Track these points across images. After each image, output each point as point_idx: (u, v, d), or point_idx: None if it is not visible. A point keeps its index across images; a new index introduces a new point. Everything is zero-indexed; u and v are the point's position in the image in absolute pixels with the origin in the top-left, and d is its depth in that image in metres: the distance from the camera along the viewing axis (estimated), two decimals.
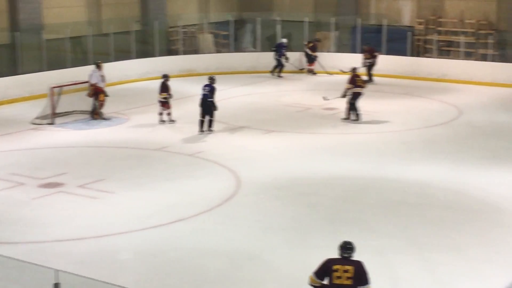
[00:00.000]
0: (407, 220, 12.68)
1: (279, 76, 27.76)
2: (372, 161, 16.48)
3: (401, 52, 28.79)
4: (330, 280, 8.01)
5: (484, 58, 28.04)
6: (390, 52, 28.70)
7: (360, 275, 7.98)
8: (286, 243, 11.78)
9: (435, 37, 29.00)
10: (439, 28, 29.92)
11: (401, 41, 28.93)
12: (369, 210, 13.31)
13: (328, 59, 28.25)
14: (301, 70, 28.28)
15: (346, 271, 7.95)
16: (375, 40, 28.46)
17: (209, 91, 18.97)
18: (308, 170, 15.79)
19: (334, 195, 14.16)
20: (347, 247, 8.15)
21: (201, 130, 19.05)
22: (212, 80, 19.15)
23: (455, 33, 29.40)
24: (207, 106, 18.96)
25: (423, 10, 30.78)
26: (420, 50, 30.12)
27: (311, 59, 27.47)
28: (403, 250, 11.37)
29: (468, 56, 28.44)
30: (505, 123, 20.35)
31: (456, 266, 10.85)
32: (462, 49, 28.15)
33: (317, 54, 27.74)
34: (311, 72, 27.81)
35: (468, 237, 11.94)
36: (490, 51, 28.00)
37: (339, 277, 7.95)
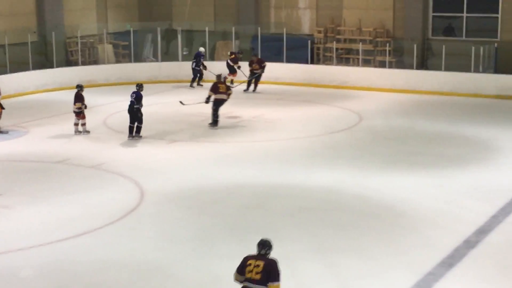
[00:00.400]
0: (311, 226, 12.76)
1: (200, 85, 27.63)
2: (275, 168, 16.55)
3: (302, 60, 29.14)
4: (244, 274, 8.35)
5: (382, 65, 28.70)
6: (290, 60, 29.00)
7: (269, 271, 8.25)
8: (192, 253, 11.65)
9: (334, 45, 29.46)
10: (338, 36, 30.41)
11: (302, 50, 29.28)
12: (273, 217, 13.34)
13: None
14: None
15: (257, 266, 8.30)
16: (276, 49, 28.69)
17: (135, 98, 19.10)
18: (212, 179, 15.71)
19: (238, 203, 14.13)
20: (262, 244, 8.48)
21: (131, 136, 19.18)
22: (139, 87, 19.38)
23: (354, 41, 29.95)
24: (134, 113, 19.07)
25: (322, 19, 31.23)
26: (320, 58, 30.55)
27: (232, 70, 27.30)
28: (309, 256, 11.43)
29: (367, 63, 29.04)
30: (404, 128, 20.82)
31: (361, 269, 10.97)
32: (361, 57, 28.71)
33: (239, 64, 27.53)
34: (232, 82, 27.60)
35: (372, 240, 12.11)
36: (387, 58, 28.67)
37: (250, 271, 8.29)
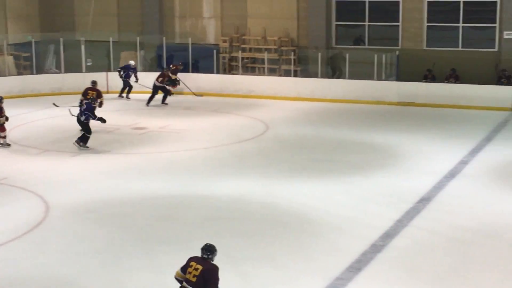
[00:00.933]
0: (220, 236, 12.72)
1: (127, 98, 27.18)
2: (183, 178, 16.46)
3: (208, 70, 29.15)
4: (185, 273, 8.67)
5: (287, 73, 29.00)
6: (197, 70, 28.97)
7: (205, 277, 8.51)
8: (101, 266, 11.44)
9: (240, 54, 29.59)
10: (244, 46, 30.57)
11: (207, 59, 29.29)
12: (183, 228, 13.25)
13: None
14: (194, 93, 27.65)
15: (196, 269, 8.57)
16: (181, 59, 28.59)
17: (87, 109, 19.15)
18: (119, 191, 15.49)
19: (146, 215, 13.97)
20: (204, 248, 8.77)
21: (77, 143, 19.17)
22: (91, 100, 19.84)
23: (259, 50, 30.17)
24: (81, 122, 19.03)
25: (227, 28, 31.32)
26: (226, 68, 30.63)
27: (172, 82, 26.76)
28: (219, 265, 11.36)
29: (273, 72, 29.30)
30: (310, 136, 21.06)
31: (271, 277, 11.01)
32: (266, 66, 28.94)
33: (178, 77, 27.13)
34: (170, 94, 27.06)
35: (281, 248, 12.17)
36: (292, 67, 28.99)
37: (189, 273, 8.59)
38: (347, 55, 27.65)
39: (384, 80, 27.67)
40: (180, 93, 27.25)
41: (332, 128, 22.20)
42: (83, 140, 19.08)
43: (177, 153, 18.98)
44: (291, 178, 16.40)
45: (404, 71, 27.73)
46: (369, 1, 29.15)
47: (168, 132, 21.49)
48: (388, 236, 12.62)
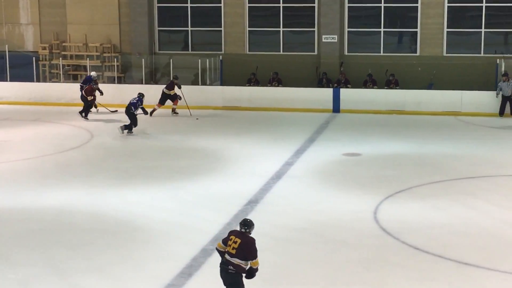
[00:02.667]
0: (46, 248, 12.25)
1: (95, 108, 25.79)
2: (5, 191, 15.73)
3: (28, 78, 28.16)
4: (226, 246, 9.46)
5: (111, 80, 28.55)
6: (15, 78, 27.89)
7: (243, 249, 9.28)
8: None
9: (60, 61, 28.81)
10: (64, 53, 29.79)
11: (27, 67, 28.29)
12: (4, 242, 12.63)
13: None
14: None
15: (235, 242, 9.33)
16: None
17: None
18: None
19: None
20: (242, 223, 9.52)
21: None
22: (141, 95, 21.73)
23: (81, 57, 29.50)
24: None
25: (46, 35, 30.43)
26: (47, 75, 29.73)
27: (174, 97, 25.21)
28: (46, 279, 10.96)
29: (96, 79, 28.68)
30: (136, 143, 20.81)
31: (102, 287, 10.73)
32: (89, 73, 28.32)
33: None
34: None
35: (110, 258, 11.88)
36: (116, 74, 28.56)
37: (229, 245, 9.37)
38: (171, 61, 27.59)
39: (209, 85, 27.85)
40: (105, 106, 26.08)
41: (158, 134, 22.05)
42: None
43: None
44: (118, 186, 16.09)
45: (228, 75, 28.07)
46: (192, 7, 29.26)
47: None
48: (219, 239, 12.58)
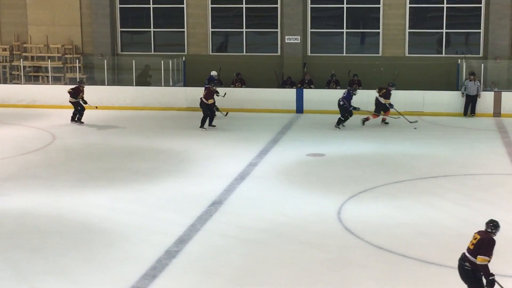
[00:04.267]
0: (7, 252, 12.08)
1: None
2: None
3: None
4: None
5: (73, 81, 28.28)
6: None
7: (480, 244, 9.27)
8: None
9: (21, 63, 28.49)
10: (25, 54, 29.48)
11: None
12: None
13: None
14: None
15: (475, 238, 9.42)
16: None
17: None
18: None
19: None
20: (492, 223, 9.49)
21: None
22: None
23: (42, 58, 29.21)
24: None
25: (7, 36, 30.09)
26: (7, 77, 29.40)
27: None
28: (8, 284, 10.81)
29: (57, 80, 28.49)
30: (98, 144, 20.64)
31: None
32: (50, 74, 28.06)
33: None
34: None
35: (73, 260, 11.74)
36: (78, 75, 28.31)
37: (471, 242, 9.47)
38: (133, 62, 27.43)
39: (172, 86, 27.75)
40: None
41: (121, 136, 21.90)
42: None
43: None
44: (80, 189, 15.94)
45: (192, 76, 27.99)
46: (154, 8, 29.13)
47: None
48: (182, 241, 12.58)
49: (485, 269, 9.25)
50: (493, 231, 9.48)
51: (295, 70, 27.88)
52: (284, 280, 11.06)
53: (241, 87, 27.38)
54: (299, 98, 26.08)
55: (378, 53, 28.20)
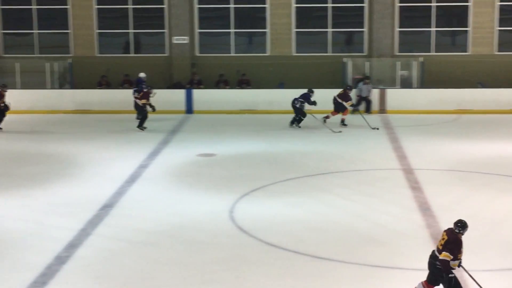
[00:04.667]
0: None
1: None
2: None
3: None
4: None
5: None
6: None
7: (448, 244, 9.36)
8: None
9: None
10: None
11: None
12: None
13: None
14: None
15: (443, 238, 9.51)
16: None
17: None
18: None
19: None
20: (460, 223, 9.49)
21: None
22: None
23: None
24: None
25: None
26: None
27: None
28: None
29: None
30: None
31: None
32: None
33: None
34: None
35: None
36: None
37: (439, 241, 9.62)
38: (17, 65, 26.73)
39: (59, 88, 27.19)
40: None
41: (7, 141, 21.32)
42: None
43: None
44: None
45: (79, 78, 27.51)
46: (37, 9, 28.46)
47: None
48: (73, 246, 12.33)
49: (444, 264, 9.38)
50: (461, 231, 9.56)
51: (184, 71, 27.83)
52: (177, 281, 11.02)
53: (129, 88, 27.10)
54: (189, 99, 26.06)
55: (266, 53, 28.48)
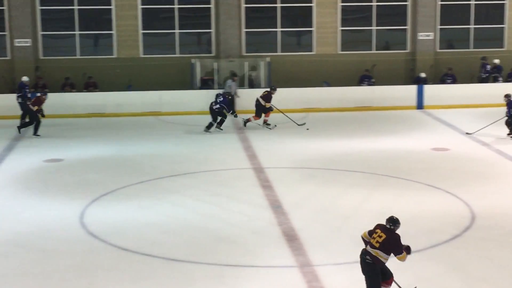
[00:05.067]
0: None
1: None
2: None
3: None
4: (371, 237, 9.86)
5: None
6: None
7: (387, 244, 9.66)
8: None
9: None
10: None
11: None
12: None
13: None
14: None
15: (380, 236, 9.70)
16: None
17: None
18: None
19: None
20: (389, 220, 9.80)
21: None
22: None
23: None
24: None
25: None
26: None
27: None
28: None
29: None
30: None
31: None
32: None
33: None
34: None
35: None
36: None
37: (374, 238, 9.76)
38: None
39: None
40: None
41: None
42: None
43: None
44: None
45: None
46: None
47: None
48: None
49: (407, 255, 9.84)
50: (392, 227, 9.83)
51: (28, 74, 26.88)
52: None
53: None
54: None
55: (113, 55, 28.04)
